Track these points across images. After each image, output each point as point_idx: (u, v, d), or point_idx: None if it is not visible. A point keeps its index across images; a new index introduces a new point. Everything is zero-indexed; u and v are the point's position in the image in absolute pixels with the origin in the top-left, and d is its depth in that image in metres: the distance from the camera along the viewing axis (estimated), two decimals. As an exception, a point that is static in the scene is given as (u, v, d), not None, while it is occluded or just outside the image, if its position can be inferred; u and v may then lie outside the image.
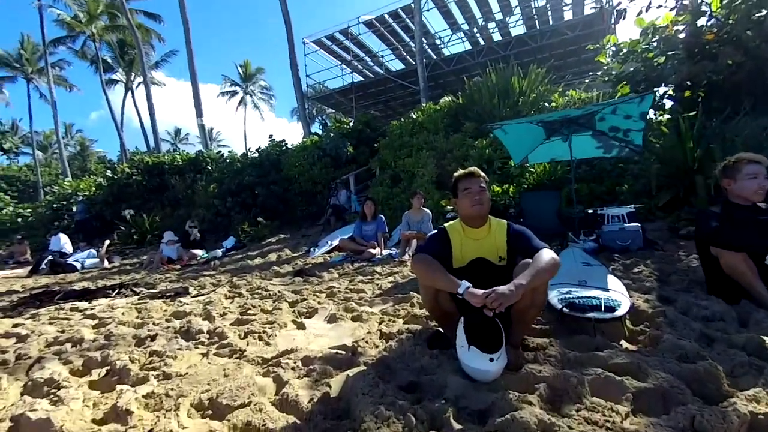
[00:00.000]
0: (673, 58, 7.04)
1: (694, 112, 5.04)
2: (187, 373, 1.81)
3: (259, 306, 2.97)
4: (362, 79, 17.34)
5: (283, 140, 12.13)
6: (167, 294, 3.68)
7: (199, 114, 14.63)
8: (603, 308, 1.89)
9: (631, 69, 7.65)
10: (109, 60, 23.33)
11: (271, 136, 12.35)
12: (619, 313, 1.88)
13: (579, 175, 5.35)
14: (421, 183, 7.40)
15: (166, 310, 3.15)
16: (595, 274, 2.71)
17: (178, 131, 42.03)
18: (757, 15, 6.23)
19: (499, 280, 1.63)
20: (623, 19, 7.01)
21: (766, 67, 6.20)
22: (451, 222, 2.02)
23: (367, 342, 2.01)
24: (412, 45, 16.96)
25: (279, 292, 3.42)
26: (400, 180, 8.15)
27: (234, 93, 30.57)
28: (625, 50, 7.81)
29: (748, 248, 1.97)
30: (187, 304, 3.27)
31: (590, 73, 8.15)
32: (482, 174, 1.93)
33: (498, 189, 5.90)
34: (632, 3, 7.06)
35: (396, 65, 17.81)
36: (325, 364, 1.78)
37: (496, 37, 16.11)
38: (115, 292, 3.97)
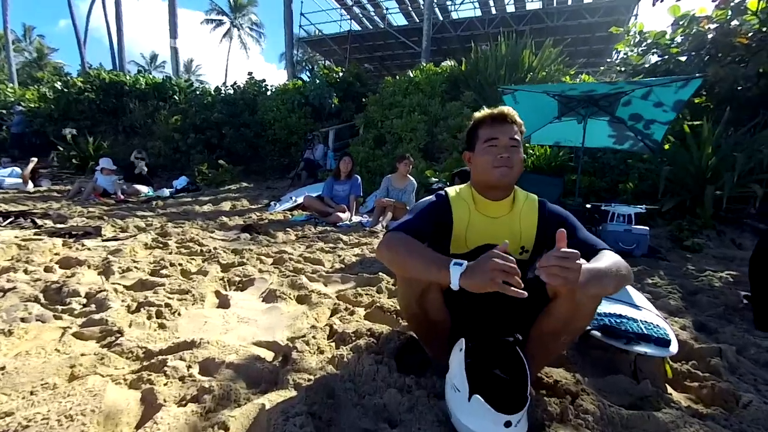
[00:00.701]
0: (699, 56, 6.49)
1: (704, 119, 4.53)
2: (4, 368, 1.11)
3: (181, 265, 2.26)
4: (360, 29, 15.92)
5: (263, 80, 10.93)
6: (73, 233, 2.88)
7: (173, 35, 12.93)
8: (653, 339, 1.32)
9: (652, 62, 7.08)
10: (77, -43, 20.33)
11: (250, 73, 11.10)
12: (674, 349, 1.32)
13: (581, 166, 4.80)
14: (407, 148, 6.67)
15: (56, 254, 2.38)
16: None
17: (154, 56, 38.49)
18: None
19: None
20: (661, 1, 6.31)
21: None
22: (457, 187, 1.36)
23: (308, 343, 1.36)
24: (421, 1, 15.65)
25: (214, 249, 2.70)
26: (385, 142, 7.37)
27: (220, 23, 27.80)
28: (649, 41, 7.18)
29: None
30: (89, 249, 2.51)
31: (608, 60, 7.49)
32: (517, 119, 1.26)
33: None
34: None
35: (400, 20, 16.43)
36: (235, 377, 1.14)
37: (510, 8, 15.03)
38: (8, 220, 3.11)
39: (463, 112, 7.01)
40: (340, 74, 10.15)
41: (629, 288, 2.09)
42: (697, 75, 3.64)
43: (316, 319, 1.67)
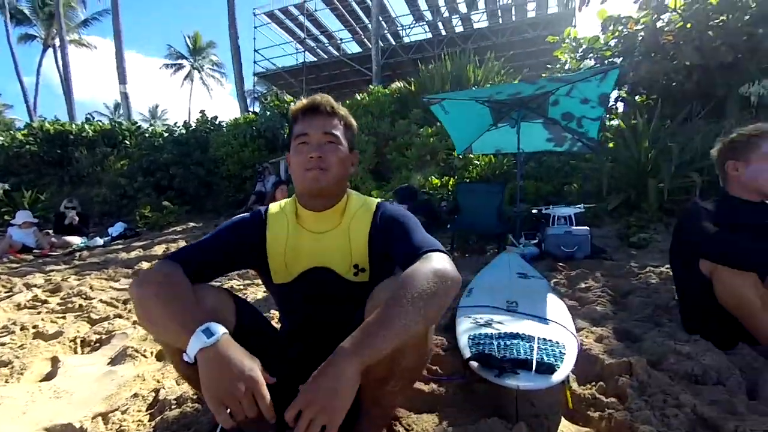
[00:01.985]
0: (630, 56, 6.67)
1: (637, 114, 4.56)
2: None
3: (36, 327, 1.91)
4: (315, 59, 16.09)
5: (215, 117, 10.74)
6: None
7: (122, 80, 12.69)
8: (534, 367, 1.06)
9: (588, 67, 7.25)
10: (27, 11, 20.13)
11: (203, 111, 10.91)
12: (559, 377, 1.06)
13: (526, 172, 4.70)
14: (355, 171, 6.49)
15: None
16: (531, 292, 1.94)
17: (117, 105, 37.59)
18: (716, 21, 5.95)
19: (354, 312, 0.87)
20: (586, 6, 6.50)
21: (722, 70, 5.93)
22: (281, 201, 1.12)
23: (108, 421, 1.05)
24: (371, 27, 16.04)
25: (98, 302, 2.35)
26: (336, 167, 7.18)
27: (180, 66, 27.77)
28: (584, 46, 7.39)
29: (762, 267, 1.23)
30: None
31: (548, 66, 7.63)
32: (338, 109, 1.03)
33: (437, 181, 5.12)
34: (593, -12, 6.55)
35: (353, 48, 16.74)
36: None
37: (459, 29, 15.55)
38: None
39: (411, 130, 6.94)
40: (292, 104, 10.04)
41: (551, 297, 1.87)
42: (614, 66, 3.59)
43: (156, 381, 1.36)
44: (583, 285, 2.36)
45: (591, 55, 7.29)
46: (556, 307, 1.74)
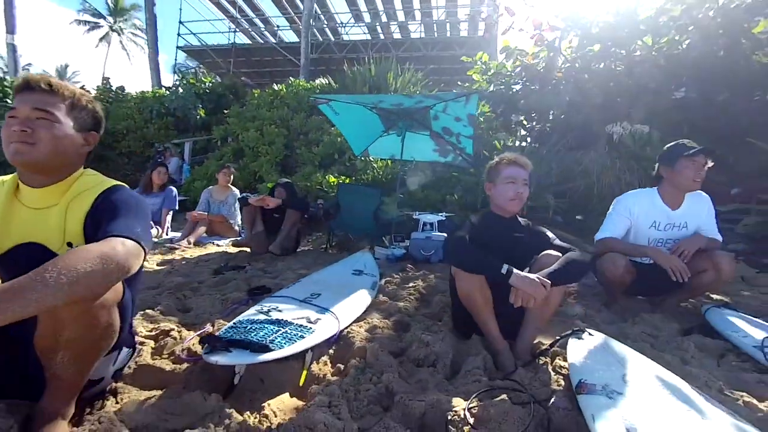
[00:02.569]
0: (527, 87, 7.43)
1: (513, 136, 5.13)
2: None
3: None
4: (250, 42, 15.43)
5: (121, 87, 9.83)
6: None
7: (10, 29, 11.01)
8: (252, 346, 1.18)
9: (493, 90, 7.92)
10: None
11: (107, 78, 9.93)
12: (273, 356, 1.18)
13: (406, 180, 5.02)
14: (262, 162, 6.38)
15: None
16: (343, 287, 2.10)
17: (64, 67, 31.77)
18: (594, 66, 6.83)
19: None
20: (489, 34, 7.09)
21: (595, 109, 6.84)
22: (5, 177, 1.11)
23: None
24: (312, 21, 15.79)
25: None
26: (243, 155, 6.99)
27: (96, 25, 24.78)
28: (492, 70, 8.03)
29: (483, 271, 1.49)
30: None
31: (465, 85, 8.32)
32: (54, 84, 1.03)
33: (333, 180, 5.24)
34: (499, 18, 7.18)
35: (290, 37, 16.35)
36: None
37: (397, 36, 15.95)
38: None
39: (324, 127, 6.99)
40: (209, 84, 9.55)
41: (360, 294, 2.04)
42: (475, 91, 3.98)
43: None
44: (410, 284, 2.59)
45: (497, 79, 7.98)
46: (352, 300, 1.92)
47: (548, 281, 1.40)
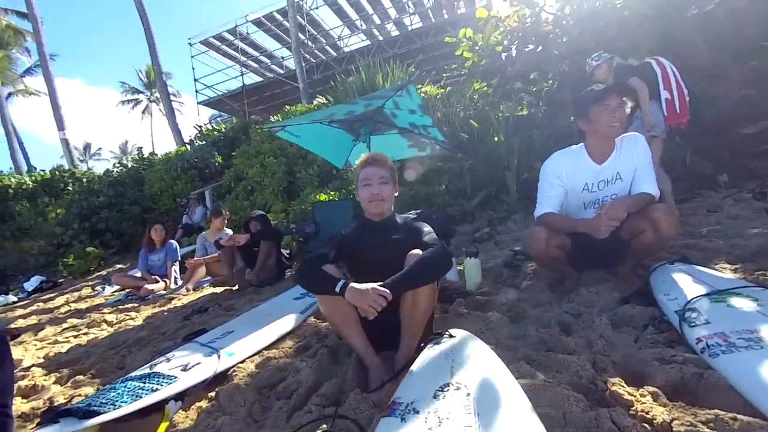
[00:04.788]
0: (516, 51, 6.95)
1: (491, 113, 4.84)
2: None
3: None
4: (260, 79, 16.26)
5: (152, 152, 10.87)
6: None
7: (61, 127, 12.77)
8: (79, 413, 1.23)
9: (482, 63, 7.51)
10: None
11: (140, 148, 11.05)
12: (102, 419, 1.21)
13: (401, 178, 4.89)
14: (266, 195, 6.67)
15: None
16: (268, 318, 2.12)
17: (87, 146, 37.73)
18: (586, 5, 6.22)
19: None
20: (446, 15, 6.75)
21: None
22: None
23: None
24: (311, 43, 16.26)
25: None
26: (254, 191, 7.36)
27: (137, 102, 27.85)
28: (480, 43, 7.64)
29: (322, 291, 1.45)
30: None
31: (452, 66, 7.94)
32: None
33: (324, 197, 5.31)
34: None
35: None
36: None
37: (395, 33, 15.83)
38: None
39: (320, 146, 7.12)
40: (222, 130, 10.22)
41: (273, 324, 2.05)
42: (410, 81, 3.76)
43: None
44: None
45: (486, 52, 7.57)
46: (264, 332, 1.94)
47: (387, 291, 1.30)
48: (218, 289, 3.84)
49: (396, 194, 1.71)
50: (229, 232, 4.60)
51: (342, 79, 9.81)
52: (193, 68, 15.12)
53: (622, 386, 1.07)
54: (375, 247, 1.62)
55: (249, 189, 7.48)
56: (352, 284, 1.34)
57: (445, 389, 1.02)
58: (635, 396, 1.02)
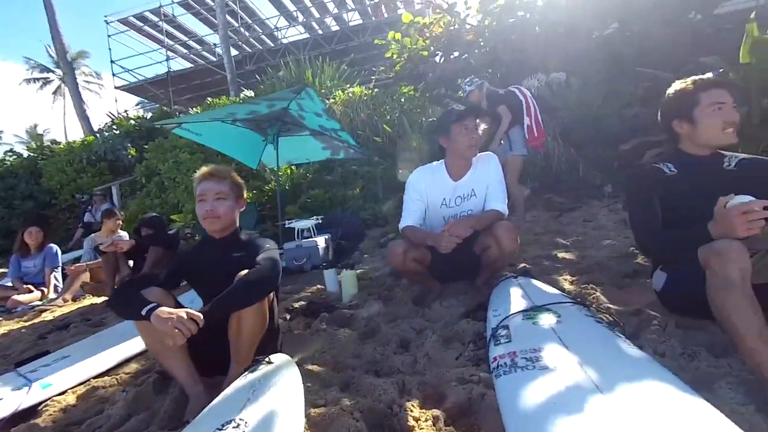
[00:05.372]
0: (433, 55, 7.15)
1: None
2: None
3: None
4: (189, 66, 15.17)
5: (53, 141, 9.72)
6: None
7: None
8: None
9: (410, 67, 7.64)
10: None
11: (40, 134, 9.81)
12: None
13: (315, 181, 4.82)
14: (178, 193, 6.24)
15: None
16: (112, 338, 1.95)
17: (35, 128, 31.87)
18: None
19: None
20: (377, 17, 6.82)
21: (510, 64, 6.61)
22: None
23: None
24: (245, 32, 15.50)
25: None
26: (167, 189, 6.85)
27: (46, 81, 24.66)
28: (408, 47, 7.74)
29: (130, 317, 1.35)
30: None
31: (379, 68, 8.01)
32: None
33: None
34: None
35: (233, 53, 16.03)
36: None
37: (335, 28, 15.58)
38: None
39: (240, 143, 6.80)
40: (137, 121, 9.40)
41: (117, 349, 1.89)
42: (305, 85, 3.70)
43: None
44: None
45: (413, 55, 7.70)
46: (101, 357, 1.77)
47: (199, 315, 1.23)
48: (101, 299, 3.50)
49: (241, 209, 1.64)
50: (124, 235, 4.22)
51: (271, 72, 9.49)
52: (110, 49, 13.75)
53: (413, 410, 1.10)
54: (215, 266, 1.54)
55: (162, 186, 6.95)
56: (161, 308, 1.25)
57: (225, 427, 0.98)
58: (419, 421, 1.06)
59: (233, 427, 0.97)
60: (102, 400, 1.46)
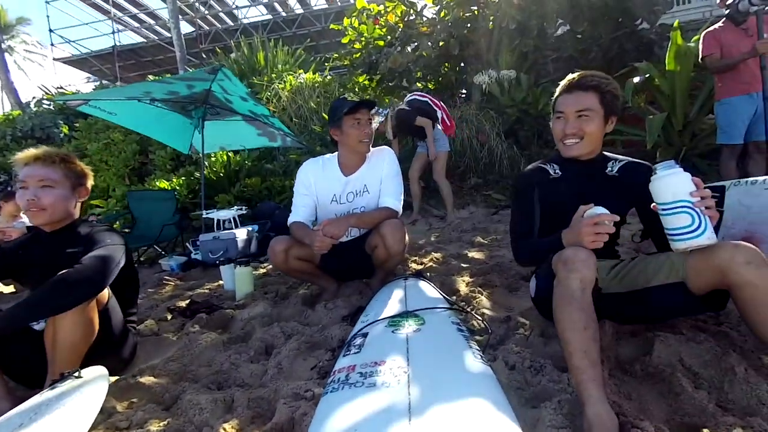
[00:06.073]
0: (393, 46, 7.00)
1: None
2: None
3: None
4: (141, 41, 14.18)
5: (-26, 114, 8.79)
6: None
7: None
8: None
9: (363, 55, 7.44)
10: None
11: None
12: None
13: (253, 169, 4.57)
14: (107, 177, 5.79)
15: None
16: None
17: None
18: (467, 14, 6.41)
19: None
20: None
21: (457, 61, 6.57)
22: None
23: None
24: (203, 8, 14.65)
25: None
26: (97, 172, 6.34)
27: (-19, 48, 22.27)
28: (366, 35, 7.53)
29: None
30: None
31: (336, 54, 7.73)
32: None
33: (164, 184, 4.75)
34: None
35: (185, 29, 15.12)
36: None
37: (299, 11, 15.04)
38: None
39: (181, 126, 6.39)
40: (73, 95, 8.65)
41: None
42: (221, 65, 3.43)
43: None
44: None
45: (371, 44, 7.50)
46: None
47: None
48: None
49: (82, 199, 1.45)
50: (26, 220, 3.82)
51: (221, 53, 9.03)
52: (48, 16, 12.62)
53: (224, 432, 0.98)
54: (43, 263, 1.34)
55: (92, 168, 6.42)
56: None
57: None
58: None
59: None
60: None
